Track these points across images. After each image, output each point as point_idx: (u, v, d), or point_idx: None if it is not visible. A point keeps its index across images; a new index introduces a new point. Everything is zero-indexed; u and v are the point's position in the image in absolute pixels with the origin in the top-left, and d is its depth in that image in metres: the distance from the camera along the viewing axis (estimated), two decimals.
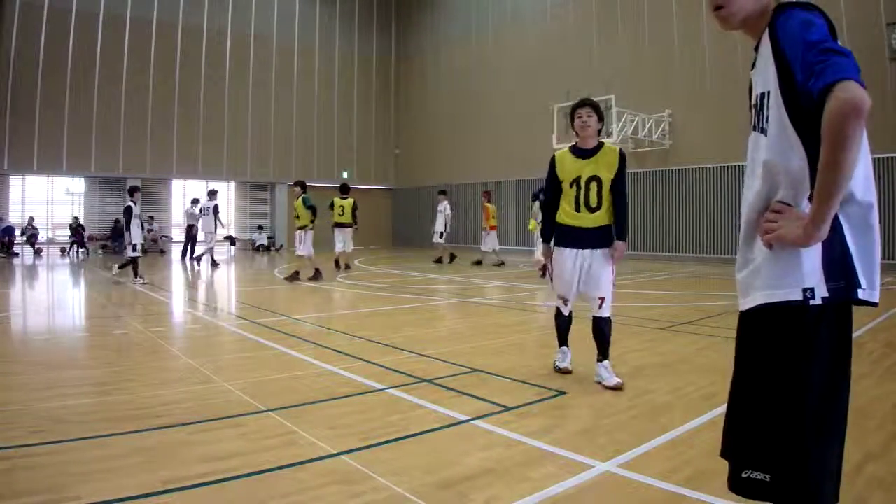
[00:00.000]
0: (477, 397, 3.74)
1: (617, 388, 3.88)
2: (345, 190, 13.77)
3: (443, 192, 15.98)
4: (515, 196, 21.21)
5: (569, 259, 4.14)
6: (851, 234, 1.37)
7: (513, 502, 2.31)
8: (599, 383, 4.01)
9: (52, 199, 20.20)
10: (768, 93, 1.42)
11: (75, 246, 19.17)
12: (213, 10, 22.25)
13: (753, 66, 1.53)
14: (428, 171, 25.00)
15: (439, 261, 15.51)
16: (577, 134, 4.17)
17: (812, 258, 1.33)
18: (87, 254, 19.25)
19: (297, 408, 3.51)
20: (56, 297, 9.73)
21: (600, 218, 4.08)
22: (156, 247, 21.14)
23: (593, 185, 4.07)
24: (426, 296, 9.61)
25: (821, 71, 1.26)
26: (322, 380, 4.18)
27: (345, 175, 25.80)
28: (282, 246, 23.79)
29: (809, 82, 1.28)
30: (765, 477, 1.34)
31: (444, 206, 15.37)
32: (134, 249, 10.79)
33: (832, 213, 1.28)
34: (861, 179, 1.39)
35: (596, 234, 4.09)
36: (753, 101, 1.52)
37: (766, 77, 1.43)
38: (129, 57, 20.48)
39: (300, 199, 11.88)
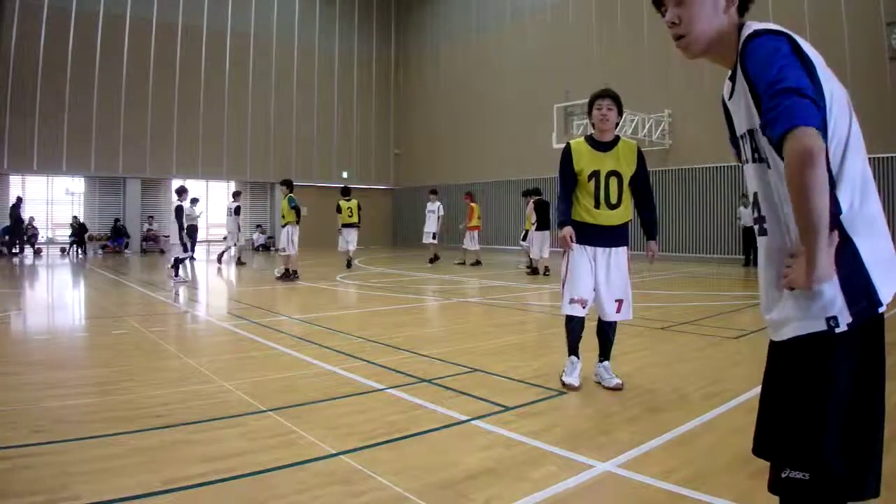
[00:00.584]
0: (477, 397, 3.73)
1: (617, 389, 3.88)
2: (346, 192, 14.07)
3: (434, 192, 15.94)
4: (515, 196, 21.20)
5: (587, 258, 3.92)
6: (864, 248, 1.34)
7: (513, 502, 2.31)
8: (599, 383, 4.00)
9: (51, 199, 20.19)
10: (754, 130, 1.42)
11: (75, 246, 19.17)
12: (213, 11, 22.25)
13: (731, 95, 1.51)
14: (428, 171, 24.99)
15: (433, 260, 15.54)
16: (594, 126, 3.97)
17: (831, 286, 1.32)
18: (85, 253, 19.25)
19: (297, 408, 3.51)
20: (56, 296, 9.73)
21: (620, 215, 3.92)
22: (155, 246, 21.14)
23: (613, 181, 3.88)
24: (426, 296, 9.61)
25: (772, 120, 1.26)
26: (322, 380, 4.18)
27: (344, 175, 25.80)
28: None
29: (765, 132, 1.30)
30: (804, 476, 1.37)
31: (438, 207, 15.35)
32: (185, 249, 11.16)
33: (823, 253, 1.27)
34: (859, 189, 1.36)
35: (617, 232, 3.92)
36: (739, 134, 1.51)
37: (749, 113, 1.42)
38: (129, 57, 20.48)
39: (286, 198, 12.05)
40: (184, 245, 11.14)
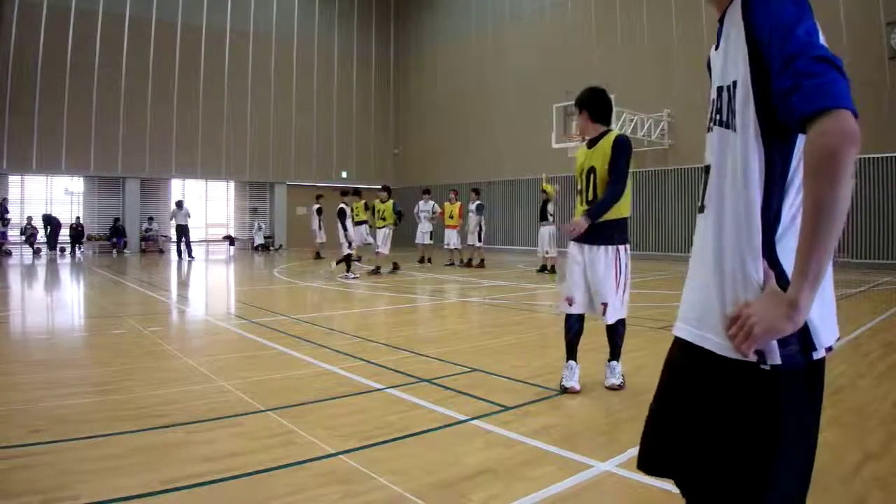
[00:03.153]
0: (476, 397, 3.73)
1: (616, 388, 3.88)
2: (386, 191, 13.68)
3: (426, 192, 15.89)
4: (515, 195, 21.21)
5: (576, 254, 3.95)
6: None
7: (512, 502, 2.31)
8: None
9: (51, 199, 20.17)
10: (735, 83, 1.18)
11: (76, 245, 19.18)
12: (213, 9, 22.23)
13: (717, 44, 1.27)
14: (427, 171, 24.99)
15: (422, 261, 15.53)
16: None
17: None
18: (83, 252, 19.26)
19: (297, 407, 3.51)
20: (55, 296, 9.72)
21: None
22: (155, 246, 21.13)
23: (591, 177, 3.91)
24: (426, 295, 9.61)
25: (812, 89, 1.00)
26: (321, 379, 4.18)
27: (344, 175, 25.79)
28: (281, 246, 23.77)
29: (791, 97, 1.03)
30: None
31: (432, 206, 15.26)
32: (350, 246, 11.84)
33: (824, 273, 1.04)
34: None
35: (594, 229, 3.81)
36: (716, 87, 1.27)
37: (735, 62, 1.18)
38: (128, 56, 20.45)
39: (389, 202, 12.90)
40: (349, 242, 11.87)
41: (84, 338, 6.05)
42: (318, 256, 17.38)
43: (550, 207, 12.23)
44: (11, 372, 4.40)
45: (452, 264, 14.69)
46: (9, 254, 17.86)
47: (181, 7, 21.53)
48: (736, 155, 1.18)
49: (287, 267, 15.00)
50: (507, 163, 21.34)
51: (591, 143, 3.97)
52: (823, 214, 0.99)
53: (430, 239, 15.34)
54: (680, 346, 1.32)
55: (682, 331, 1.29)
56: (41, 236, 18.91)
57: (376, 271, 12.47)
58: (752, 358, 1.10)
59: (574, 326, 3.95)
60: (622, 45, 18.07)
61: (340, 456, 2.76)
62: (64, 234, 19.43)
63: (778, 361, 1.10)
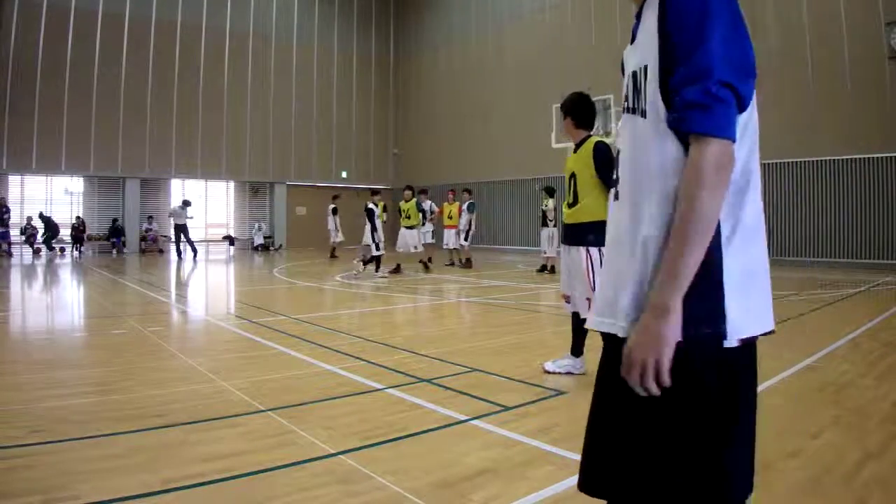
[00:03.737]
0: (476, 397, 3.73)
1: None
2: (410, 188, 13.70)
3: (424, 192, 15.88)
4: (514, 195, 21.22)
5: (563, 255, 4.27)
6: (733, 255, 1.12)
7: (512, 502, 2.31)
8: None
9: (50, 199, 20.17)
10: (646, 67, 1.18)
11: (76, 246, 19.18)
12: (212, 10, 22.23)
13: (633, 39, 1.28)
14: (427, 171, 24.99)
15: (423, 262, 15.53)
16: None
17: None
18: (83, 252, 19.27)
19: (297, 407, 3.51)
20: (55, 296, 9.72)
21: (574, 214, 4.08)
22: (154, 246, 21.12)
23: (573, 182, 4.09)
24: (426, 295, 9.61)
25: (707, 112, 1.06)
26: (321, 379, 4.18)
27: (344, 175, 25.80)
28: (280, 246, 23.77)
29: (687, 110, 1.07)
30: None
31: (430, 206, 15.27)
32: (377, 248, 11.79)
33: (688, 277, 1.06)
34: (744, 189, 1.14)
35: (570, 231, 4.11)
36: (628, 73, 1.28)
37: (648, 48, 1.18)
38: (128, 56, 20.45)
39: (413, 201, 12.96)
40: (375, 244, 11.85)
41: (84, 338, 6.05)
42: (332, 256, 17.54)
43: (550, 214, 12.62)
44: (11, 372, 4.40)
45: (452, 264, 14.69)
46: (9, 255, 17.87)
47: (181, 7, 21.52)
48: (649, 143, 1.16)
49: (287, 267, 15.00)
50: (507, 163, 21.33)
51: (576, 148, 4.17)
52: (691, 224, 1.05)
53: (432, 238, 15.35)
54: (605, 341, 1.30)
55: (598, 323, 1.26)
56: (41, 237, 18.93)
57: (466, 265, 13.06)
58: (656, 391, 1.08)
59: (574, 322, 4.23)
60: (622, 45, 17.92)
61: (340, 456, 2.76)
62: (64, 234, 19.44)
63: (678, 338, 1.08)
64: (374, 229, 11.97)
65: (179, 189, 22.30)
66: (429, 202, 15.31)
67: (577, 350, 4.23)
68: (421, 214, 13.17)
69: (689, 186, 1.06)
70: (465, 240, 14.37)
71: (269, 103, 23.69)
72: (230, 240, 22.07)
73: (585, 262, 4.01)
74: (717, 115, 1.06)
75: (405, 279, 11.84)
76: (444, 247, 14.93)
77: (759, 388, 3.62)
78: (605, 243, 1.31)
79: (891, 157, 13.10)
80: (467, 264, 14.21)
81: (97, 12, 19.82)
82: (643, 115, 1.18)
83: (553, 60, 19.90)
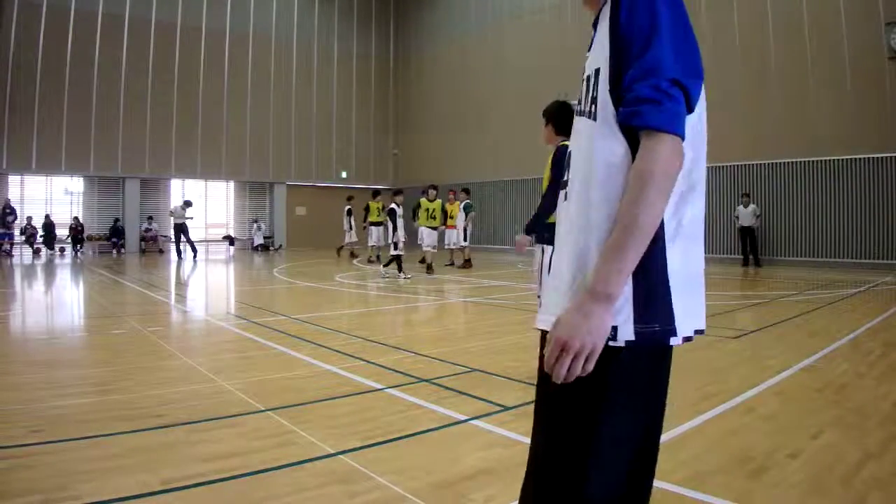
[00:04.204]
0: (476, 397, 3.73)
1: None
2: (433, 189, 13.76)
3: (425, 192, 15.85)
4: (514, 195, 21.22)
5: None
6: (676, 254, 1.14)
7: (512, 502, 2.31)
8: None
9: (50, 199, 20.17)
10: (597, 70, 1.20)
11: (76, 246, 19.18)
12: (212, 10, 22.23)
13: (590, 47, 1.28)
14: (426, 171, 24.98)
15: (423, 261, 15.54)
16: None
17: (625, 290, 1.10)
18: (83, 252, 19.27)
19: (297, 407, 3.51)
20: (55, 296, 9.72)
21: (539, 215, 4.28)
22: (154, 246, 21.12)
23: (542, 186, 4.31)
24: (426, 295, 9.61)
25: (658, 109, 1.07)
26: (321, 379, 4.18)
27: (343, 175, 25.79)
28: (280, 246, 23.77)
29: (638, 106, 1.09)
30: None
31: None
32: (395, 248, 11.76)
33: (627, 270, 1.07)
34: (689, 192, 1.16)
35: (538, 230, 4.28)
36: (584, 77, 1.29)
37: (600, 51, 1.20)
38: (128, 56, 20.45)
39: (438, 202, 13.23)
40: (395, 244, 11.84)
41: (84, 338, 6.04)
42: (352, 255, 17.65)
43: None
44: (11, 372, 4.40)
45: (452, 264, 14.71)
46: (10, 255, 17.87)
47: (181, 7, 21.52)
48: (597, 144, 1.17)
49: (287, 267, 15.00)
50: (507, 163, 21.33)
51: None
52: (638, 215, 1.06)
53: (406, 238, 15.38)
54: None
55: (543, 321, 1.24)
56: (40, 237, 18.94)
57: (466, 265, 13.29)
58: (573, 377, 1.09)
59: None
60: None
61: (340, 456, 2.76)
62: (63, 234, 19.44)
63: (631, 338, 1.11)
64: (394, 229, 11.94)
65: (179, 189, 22.31)
66: (438, 201, 15.31)
67: None
68: (442, 215, 13.27)
69: (637, 179, 1.07)
70: (465, 240, 14.38)
71: (269, 103, 23.69)
72: (230, 240, 22.07)
73: (539, 261, 4.23)
74: (668, 111, 1.07)
75: (402, 279, 11.85)
76: (446, 247, 14.96)
77: (760, 388, 3.61)
78: (555, 242, 1.30)
79: (891, 157, 13.09)
80: (466, 264, 14.22)
81: (97, 12, 19.82)
82: (593, 117, 1.20)
83: (553, 60, 19.89)
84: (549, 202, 4.11)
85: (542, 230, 4.20)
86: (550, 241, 4.13)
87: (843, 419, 3.29)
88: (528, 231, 4.28)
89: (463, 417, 3.32)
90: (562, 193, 1.30)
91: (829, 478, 2.51)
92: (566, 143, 4.21)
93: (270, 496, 2.35)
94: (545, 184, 4.30)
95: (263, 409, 3.46)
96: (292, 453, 2.79)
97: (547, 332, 1.18)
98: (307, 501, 2.31)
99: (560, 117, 4.20)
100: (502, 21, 22.30)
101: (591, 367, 1.08)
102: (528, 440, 3.01)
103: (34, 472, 2.54)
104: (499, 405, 3.55)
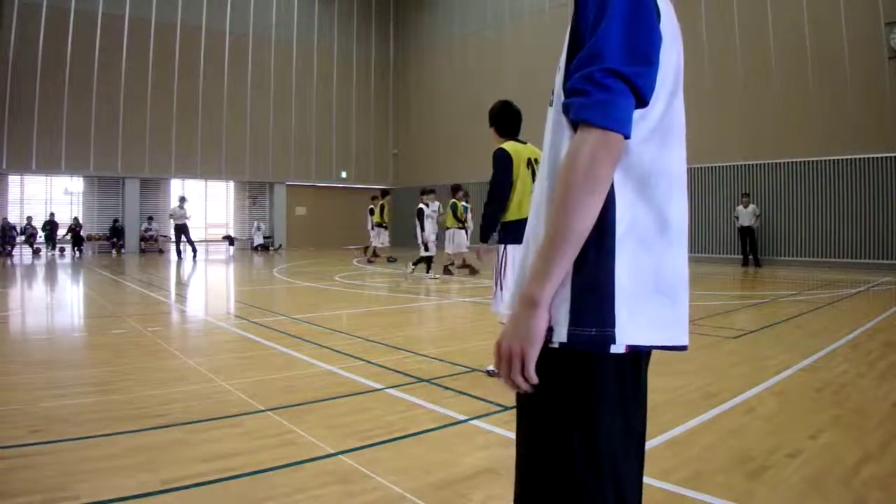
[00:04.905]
0: (476, 397, 3.73)
1: (493, 374, 4.14)
2: (456, 189, 13.55)
3: (431, 191, 15.84)
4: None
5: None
6: (627, 256, 1.05)
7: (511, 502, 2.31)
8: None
9: (50, 199, 20.17)
10: (561, 63, 1.15)
11: (76, 246, 19.18)
12: (212, 10, 22.23)
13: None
14: (426, 171, 24.99)
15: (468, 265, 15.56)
16: None
17: (562, 288, 1.04)
18: (81, 252, 19.27)
19: (296, 407, 3.51)
20: (55, 296, 9.72)
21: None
22: (154, 246, 21.12)
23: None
24: (425, 295, 9.61)
25: (591, 100, 1.00)
26: (321, 379, 4.18)
27: (343, 175, 25.79)
28: (280, 246, 23.77)
29: (574, 97, 1.03)
30: None
31: (437, 206, 15.23)
32: (426, 248, 11.74)
33: (557, 273, 1.01)
34: (666, 187, 1.09)
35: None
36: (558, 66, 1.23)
37: (563, 48, 1.15)
38: (128, 56, 20.46)
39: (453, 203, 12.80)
40: (424, 245, 11.80)
41: (84, 338, 6.04)
42: (374, 255, 17.29)
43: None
44: (11, 372, 4.40)
45: (453, 264, 14.71)
46: (10, 255, 17.87)
47: (181, 7, 21.52)
48: (554, 135, 1.12)
49: (287, 267, 15.00)
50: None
51: None
52: (560, 215, 0.99)
53: (435, 239, 15.35)
54: None
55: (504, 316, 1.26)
56: (40, 237, 18.95)
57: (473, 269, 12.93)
58: (525, 387, 1.07)
59: None
60: None
61: (340, 456, 2.76)
62: (63, 234, 19.44)
63: (563, 339, 1.05)
64: (421, 230, 11.78)
65: (179, 189, 22.32)
66: (437, 203, 15.31)
67: None
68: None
69: (560, 176, 1.01)
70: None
71: (269, 103, 23.69)
72: (230, 240, 22.07)
73: (497, 259, 4.25)
74: (598, 103, 0.99)
75: (402, 278, 11.84)
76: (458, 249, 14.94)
77: (759, 388, 3.59)
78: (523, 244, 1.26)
79: (891, 157, 13.10)
80: (465, 265, 14.23)
81: (97, 12, 19.82)
82: (552, 105, 1.16)
83: (553, 60, 19.82)
84: (493, 208, 4.18)
85: (500, 233, 4.26)
86: (506, 241, 4.23)
87: (842, 419, 3.29)
88: (482, 240, 4.30)
89: (463, 417, 3.32)
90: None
91: (829, 478, 2.51)
92: (505, 145, 4.26)
93: (270, 496, 2.35)
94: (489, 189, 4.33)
95: (263, 409, 3.46)
96: (292, 453, 2.79)
97: None
98: (307, 501, 2.31)
99: (502, 118, 4.24)
100: (502, 21, 22.30)
101: (529, 372, 1.04)
102: None
103: (34, 472, 2.54)
104: (499, 405, 3.55)
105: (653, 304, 1.07)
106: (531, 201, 1.22)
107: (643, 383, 1.18)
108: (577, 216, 0.99)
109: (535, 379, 1.05)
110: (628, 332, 1.04)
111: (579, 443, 1.06)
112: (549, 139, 1.15)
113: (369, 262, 15.98)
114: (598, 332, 1.03)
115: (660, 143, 1.08)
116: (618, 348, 1.04)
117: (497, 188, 4.12)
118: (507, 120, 4.26)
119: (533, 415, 1.13)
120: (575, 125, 1.04)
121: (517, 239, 4.26)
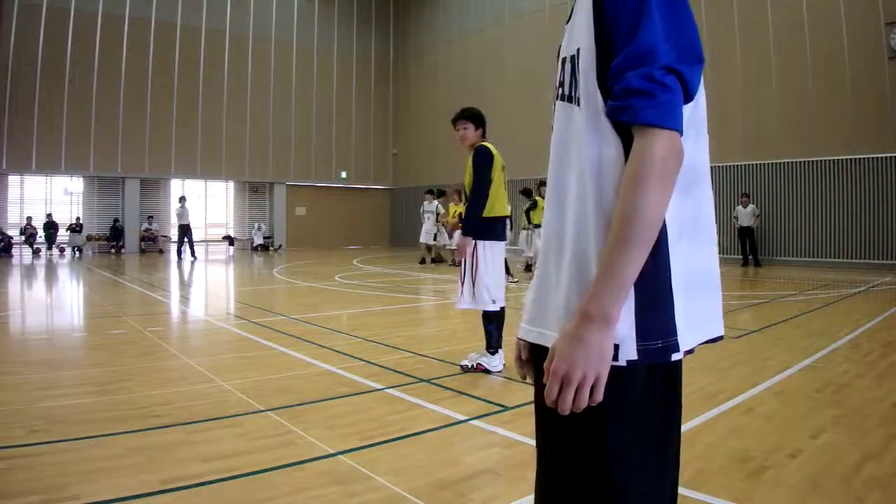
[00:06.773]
0: (476, 397, 3.73)
1: (468, 370, 4.31)
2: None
3: (430, 192, 15.98)
4: (513, 195, 21.20)
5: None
6: (680, 258, 1.01)
7: (512, 502, 2.31)
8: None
9: (50, 199, 20.17)
10: (579, 50, 1.07)
11: (75, 246, 19.19)
12: (212, 10, 22.22)
13: (568, 20, 1.16)
14: (426, 171, 24.99)
15: (423, 261, 15.65)
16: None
17: (626, 307, 0.97)
18: (81, 253, 19.28)
19: (296, 407, 3.51)
20: (55, 296, 9.72)
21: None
22: (154, 246, 21.12)
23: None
24: (425, 295, 9.61)
25: (653, 101, 0.94)
26: (321, 379, 4.18)
27: (343, 175, 25.78)
28: (280, 246, 23.76)
29: (630, 98, 0.96)
30: None
31: (436, 206, 15.36)
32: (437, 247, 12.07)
33: (625, 285, 0.95)
34: (683, 174, 1.00)
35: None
36: (562, 57, 1.16)
37: (581, 29, 1.07)
38: (128, 57, 20.45)
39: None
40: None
41: (84, 338, 6.04)
42: (434, 260, 16.81)
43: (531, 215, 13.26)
44: (11, 372, 4.39)
45: (453, 264, 14.75)
46: (9, 255, 17.87)
47: (181, 8, 21.51)
48: (585, 138, 1.03)
49: (287, 266, 15.00)
50: (506, 163, 21.29)
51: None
52: (634, 224, 0.93)
53: (435, 239, 15.43)
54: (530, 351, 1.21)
55: (525, 332, 1.18)
56: (40, 237, 18.95)
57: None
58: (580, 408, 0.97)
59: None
60: None
61: (340, 456, 2.76)
62: (63, 234, 19.44)
63: (633, 357, 0.98)
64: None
65: (179, 189, 22.30)
66: (436, 202, 15.37)
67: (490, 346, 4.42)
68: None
69: (631, 183, 0.94)
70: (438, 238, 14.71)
71: (269, 103, 23.68)
72: (230, 240, 22.07)
73: (471, 255, 4.36)
74: (663, 104, 0.94)
75: (402, 278, 11.84)
76: (448, 247, 15.02)
77: (760, 388, 3.60)
78: (541, 246, 1.19)
79: (891, 158, 13.10)
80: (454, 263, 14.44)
81: (97, 13, 19.81)
82: (576, 102, 1.07)
83: (553, 60, 19.86)
84: (482, 205, 4.33)
85: (480, 226, 4.37)
86: (479, 236, 4.31)
87: (842, 419, 3.29)
88: (465, 232, 4.35)
89: (463, 417, 3.32)
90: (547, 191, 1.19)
91: (829, 478, 2.51)
92: (486, 144, 4.54)
93: (270, 496, 2.35)
94: (468, 186, 4.39)
95: (263, 409, 3.46)
96: (292, 453, 2.79)
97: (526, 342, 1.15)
98: (307, 501, 2.31)
99: (483, 122, 4.70)
100: (502, 21, 22.30)
101: (599, 395, 0.95)
102: (527, 440, 3.02)
103: (34, 472, 2.54)
104: (499, 405, 3.55)
105: (700, 302, 1.05)
106: (546, 203, 1.18)
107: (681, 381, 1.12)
108: (648, 224, 0.94)
109: (600, 399, 0.96)
110: (686, 337, 1.01)
111: (623, 449, 1.00)
112: (568, 136, 1.09)
113: (433, 261, 15.81)
114: (664, 343, 0.99)
115: (694, 138, 1.04)
116: (678, 356, 1.00)
117: (484, 184, 4.33)
118: (485, 124, 4.70)
119: (571, 423, 1.01)
120: (622, 126, 0.99)
121: (493, 235, 4.44)
